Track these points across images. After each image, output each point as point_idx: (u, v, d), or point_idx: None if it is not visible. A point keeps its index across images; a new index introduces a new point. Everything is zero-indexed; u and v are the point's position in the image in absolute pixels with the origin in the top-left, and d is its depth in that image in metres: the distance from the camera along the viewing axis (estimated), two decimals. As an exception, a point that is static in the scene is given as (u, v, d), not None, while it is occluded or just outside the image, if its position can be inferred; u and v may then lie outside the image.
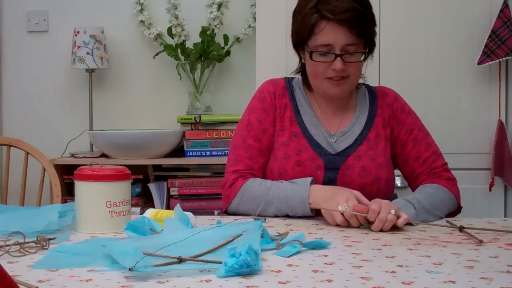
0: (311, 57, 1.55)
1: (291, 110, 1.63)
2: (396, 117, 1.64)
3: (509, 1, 2.30)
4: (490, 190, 2.34)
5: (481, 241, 1.19)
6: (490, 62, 2.30)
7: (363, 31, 1.52)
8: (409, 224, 1.38)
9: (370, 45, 1.59)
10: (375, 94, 1.67)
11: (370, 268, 0.98)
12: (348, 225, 1.36)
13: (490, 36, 2.29)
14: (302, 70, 1.67)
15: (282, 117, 1.62)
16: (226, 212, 1.61)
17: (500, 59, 2.29)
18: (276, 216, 1.51)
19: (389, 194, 1.60)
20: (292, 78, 1.71)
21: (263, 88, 1.67)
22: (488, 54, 2.29)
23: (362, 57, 1.55)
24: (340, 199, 1.37)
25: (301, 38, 1.57)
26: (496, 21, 2.29)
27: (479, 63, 2.31)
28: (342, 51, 1.51)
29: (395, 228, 1.35)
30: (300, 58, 1.65)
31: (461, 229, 1.30)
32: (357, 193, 1.41)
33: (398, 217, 1.32)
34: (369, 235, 1.28)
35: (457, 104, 2.37)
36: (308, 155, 1.57)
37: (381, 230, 1.33)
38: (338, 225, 1.38)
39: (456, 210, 1.60)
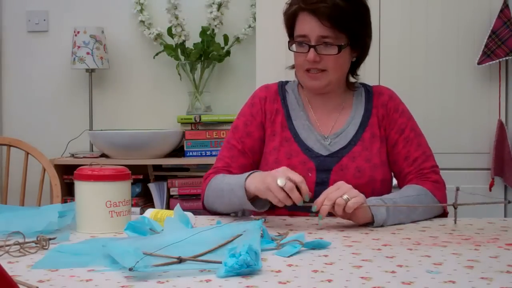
0: (289, 47, 1.58)
1: (282, 115, 1.63)
2: (388, 117, 1.63)
3: (509, 1, 2.31)
4: (490, 190, 2.34)
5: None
6: (490, 62, 2.30)
7: (340, 24, 1.51)
8: (368, 224, 1.38)
9: (357, 44, 1.57)
10: (371, 94, 1.66)
11: (370, 268, 0.98)
12: (289, 202, 1.31)
13: (490, 36, 2.29)
14: None
15: (273, 122, 1.63)
16: (203, 206, 1.61)
17: (500, 59, 2.29)
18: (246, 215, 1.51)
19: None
20: (287, 82, 1.71)
21: (255, 94, 1.69)
22: (488, 54, 2.29)
23: (337, 51, 1.52)
24: (278, 174, 1.33)
25: (288, 30, 1.61)
26: (496, 21, 2.29)
27: (479, 63, 2.31)
28: (317, 42, 1.52)
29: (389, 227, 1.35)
30: None
31: (455, 206, 1.33)
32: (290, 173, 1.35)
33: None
34: (369, 235, 1.28)
35: (457, 104, 2.37)
36: (299, 159, 1.57)
37: (332, 214, 1.33)
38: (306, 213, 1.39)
39: (440, 215, 1.54)
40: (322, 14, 1.50)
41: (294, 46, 1.57)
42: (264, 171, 1.43)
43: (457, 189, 1.34)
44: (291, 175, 1.32)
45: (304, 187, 1.31)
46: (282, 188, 1.30)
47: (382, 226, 1.38)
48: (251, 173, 1.42)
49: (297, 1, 1.55)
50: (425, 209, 1.48)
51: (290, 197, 1.30)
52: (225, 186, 1.49)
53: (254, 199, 1.41)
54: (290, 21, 1.58)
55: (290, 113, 1.64)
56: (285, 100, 1.66)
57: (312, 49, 1.52)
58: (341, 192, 1.32)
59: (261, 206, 1.42)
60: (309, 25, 1.52)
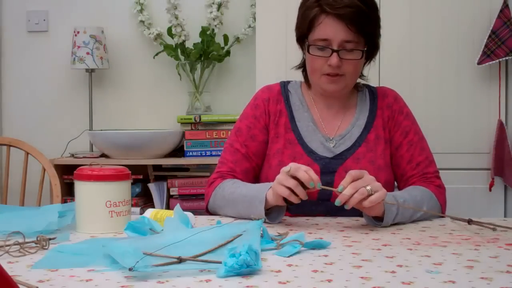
0: (308, 51, 1.55)
1: (286, 116, 1.63)
2: (394, 118, 1.63)
3: (509, 1, 2.30)
4: (490, 190, 2.34)
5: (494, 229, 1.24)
6: (490, 62, 2.30)
7: (362, 28, 1.51)
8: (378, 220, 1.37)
9: (372, 46, 1.58)
10: (376, 95, 1.66)
11: (370, 268, 0.98)
12: (301, 192, 1.30)
13: (490, 36, 2.29)
14: (303, 66, 1.68)
15: (277, 124, 1.62)
16: (207, 210, 1.61)
17: (500, 59, 2.29)
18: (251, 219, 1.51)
19: None
20: (289, 82, 1.70)
21: (257, 96, 1.68)
22: (488, 54, 2.29)
23: (360, 56, 1.54)
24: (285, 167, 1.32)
25: (302, 32, 1.58)
26: (496, 21, 2.29)
27: (479, 63, 2.31)
28: (340, 47, 1.51)
29: (389, 223, 1.35)
30: (303, 52, 1.65)
31: (469, 222, 1.32)
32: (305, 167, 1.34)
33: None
34: (369, 235, 1.28)
35: (457, 104, 2.37)
36: (303, 161, 1.56)
37: (344, 205, 1.31)
38: (320, 215, 1.38)
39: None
40: (348, 19, 1.48)
41: (312, 50, 1.54)
42: None
43: (469, 222, 1.36)
44: (297, 164, 1.33)
45: (312, 174, 1.31)
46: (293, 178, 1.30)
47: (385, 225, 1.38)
48: (270, 187, 1.40)
49: (317, 3, 1.52)
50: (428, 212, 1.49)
51: (297, 189, 1.30)
52: (238, 197, 1.48)
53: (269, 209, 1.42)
54: (309, 24, 1.54)
55: (293, 114, 1.63)
56: (289, 101, 1.65)
57: (335, 54, 1.51)
58: (365, 183, 1.31)
59: (274, 218, 1.42)
60: (333, 29, 1.50)
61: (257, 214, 1.39)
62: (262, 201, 1.40)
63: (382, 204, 1.34)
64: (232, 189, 1.52)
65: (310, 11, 1.53)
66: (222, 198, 1.54)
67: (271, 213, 1.42)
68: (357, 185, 1.30)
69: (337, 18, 1.49)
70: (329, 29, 1.50)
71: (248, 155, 1.62)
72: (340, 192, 1.31)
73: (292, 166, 1.32)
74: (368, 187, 1.30)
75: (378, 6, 2.24)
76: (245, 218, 1.44)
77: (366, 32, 1.53)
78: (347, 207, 1.31)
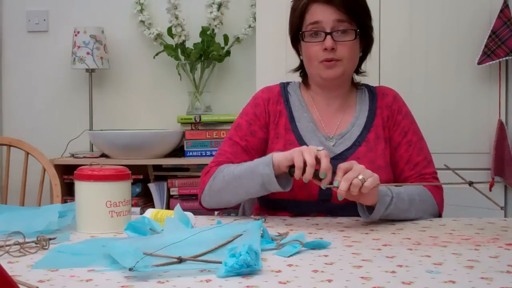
0: (303, 39, 1.57)
1: (286, 117, 1.63)
2: (393, 118, 1.63)
3: (509, 1, 2.30)
4: (490, 190, 2.34)
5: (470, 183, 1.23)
6: (490, 62, 2.30)
7: (352, 11, 1.53)
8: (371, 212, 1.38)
9: (365, 35, 1.60)
10: (375, 94, 1.67)
11: (370, 268, 0.98)
12: (311, 172, 1.31)
13: (490, 36, 2.29)
14: (301, 69, 1.68)
15: (277, 124, 1.62)
16: (201, 203, 1.59)
17: (500, 59, 2.29)
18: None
19: None
20: (288, 83, 1.71)
21: (257, 96, 1.68)
22: (488, 54, 2.29)
23: (354, 37, 1.55)
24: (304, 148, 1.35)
25: (294, 26, 1.60)
26: (496, 21, 2.29)
27: (479, 63, 2.31)
28: (332, 29, 1.53)
29: (389, 222, 1.35)
30: (299, 55, 1.66)
31: (470, 184, 1.32)
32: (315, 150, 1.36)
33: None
34: (369, 235, 1.28)
35: (457, 104, 2.37)
36: None
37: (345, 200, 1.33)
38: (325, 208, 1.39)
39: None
40: (338, 1, 1.52)
41: (306, 38, 1.56)
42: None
43: (470, 184, 1.34)
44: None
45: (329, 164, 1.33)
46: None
47: (380, 216, 1.39)
48: (274, 153, 1.42)
49: None
50: (423, 207, 1.50)
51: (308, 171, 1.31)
52: (240, 172, 1.46)
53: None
54: (300, 16, 1.57)
55: (293, 114, 1.63)
56: (288, 102, 1.65)
57: (329, 36, 1.53)
58: (356, 173, 1.32)
59: (284, 185, 1.41)
60: (323, 12, 1.53)
61: (264, 176, 1.39)
62: (269, 164, 1.39)
63: (375, 192, 1.36)
64: (231, 168, 1.51)
65: (299, 4, 1.57)
66: (222, 179, 1.51)
67: (280, 178, 1.41)
68: (349, 177, 1.31)
69: (326, 3, 1.53)
70: (320, 12, 1.54)
71: (247, 148, 1.61)
72: (337, 187, 1.32)
73: (324, 150, 1.33)
74: (360, 176, 1.31)
75: (378, 6, 2.25)
76: (233, 212, 1.44)
77: (357, 15, 1.55)
78: (340, 198, 1.33)
